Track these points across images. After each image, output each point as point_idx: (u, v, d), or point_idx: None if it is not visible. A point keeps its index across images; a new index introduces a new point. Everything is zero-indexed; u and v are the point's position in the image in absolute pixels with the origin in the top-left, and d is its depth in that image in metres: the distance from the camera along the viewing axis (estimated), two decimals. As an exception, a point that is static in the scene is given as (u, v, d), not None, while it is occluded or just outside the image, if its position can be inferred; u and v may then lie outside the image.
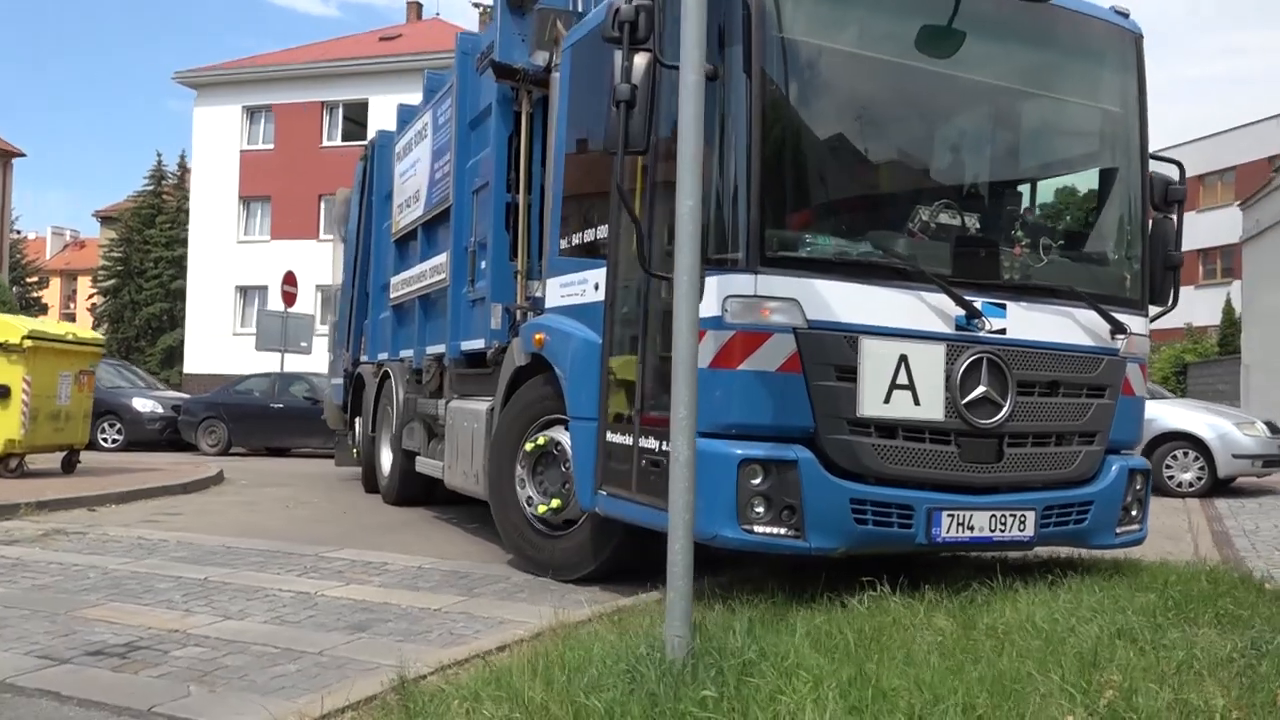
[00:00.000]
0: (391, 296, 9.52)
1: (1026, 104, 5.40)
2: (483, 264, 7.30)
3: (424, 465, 8.39)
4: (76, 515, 8.26)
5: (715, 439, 4.54)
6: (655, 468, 4.90)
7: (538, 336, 6.02)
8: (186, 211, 44.34)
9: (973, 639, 3.74)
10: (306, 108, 33.48)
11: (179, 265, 43.17)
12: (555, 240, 6.16)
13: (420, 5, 41.42)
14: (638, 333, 5.17)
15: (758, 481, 4.50)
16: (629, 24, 4.51)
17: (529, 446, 6.08)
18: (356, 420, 11.05)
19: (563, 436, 5.87)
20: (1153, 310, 5.49)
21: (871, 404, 4.62)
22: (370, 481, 10.41)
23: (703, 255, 4.60)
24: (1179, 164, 5.64)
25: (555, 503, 5.80)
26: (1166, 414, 11.76)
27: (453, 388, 7.81)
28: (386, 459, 9.74)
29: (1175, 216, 5.60)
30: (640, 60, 4.55)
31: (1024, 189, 5.50)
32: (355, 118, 33.29)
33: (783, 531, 4.54)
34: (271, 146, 34.17)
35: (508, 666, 3.45)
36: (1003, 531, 4.87)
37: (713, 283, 4.58)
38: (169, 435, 17.86)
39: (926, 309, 4.75)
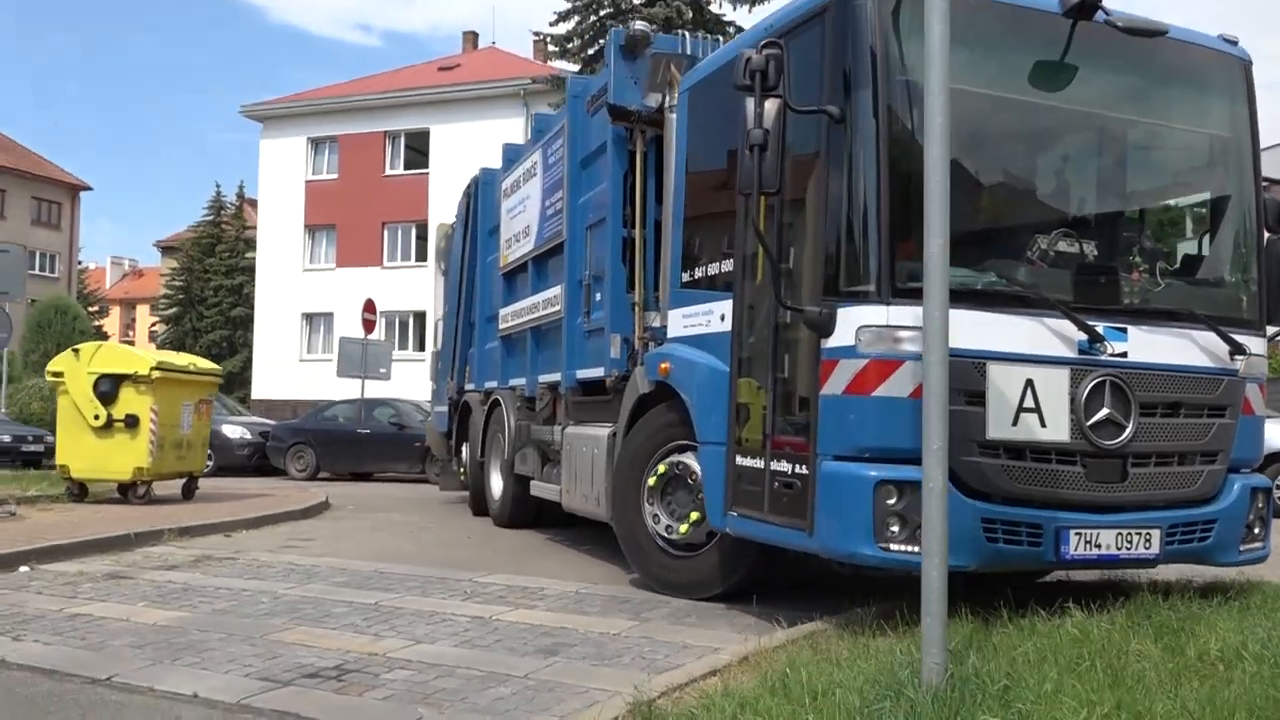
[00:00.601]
0: (501, 328, 9.95)
1: (1140, 133, 5.64)
2: (598, 296, 7.67)
3: (539, 489, 8.76)
4: (215, 541, 8.77)
5: (851, 462, 4.83)
6: (788, 489, 5.19)
7: (663, 366, 6.35)
8: (245, 241, 45.93)
9: (1186, 664, 3.91)
10: (369, 138, 34.58)
11: (238, 293, 44.64)
12: (676, 273, 6.50)
13: (476, 35, 42.53)
14: (766, 361, 5.46)
15: (893, 501, 4.76)
16: (760, 73, 4.84)
17: (652, 481, 6.39)
18: (463, 446, 11.49)
19: (690, 460, 6.18)
20: (1270, 330, 5.64)
21: (999, 427, 4.86)
22: (478, 505, 10.84)
23: (834, 288, 4.94)
24: (1291, 186, 5.81)
25: (694, 515, 6.10)
26: (1277, 433, 11.69)
27: (569, 414, 8.17)
28: (497, 484, 10.15)
29: (1289, 237, 5.76)
30: (770, 106, 4.87)
31: (1140, 215, 5.73)
32: (417, 146, 34.37)
33: (917, 549, 4.76)
34: (335, 176, 35.31)
35: (752, 690, 3.68)
36: (1129, 549, 5.07)
37: (845, 314, 4.88)
38: (257, 461, 18.60)
39: (1050, 334, 4.99)
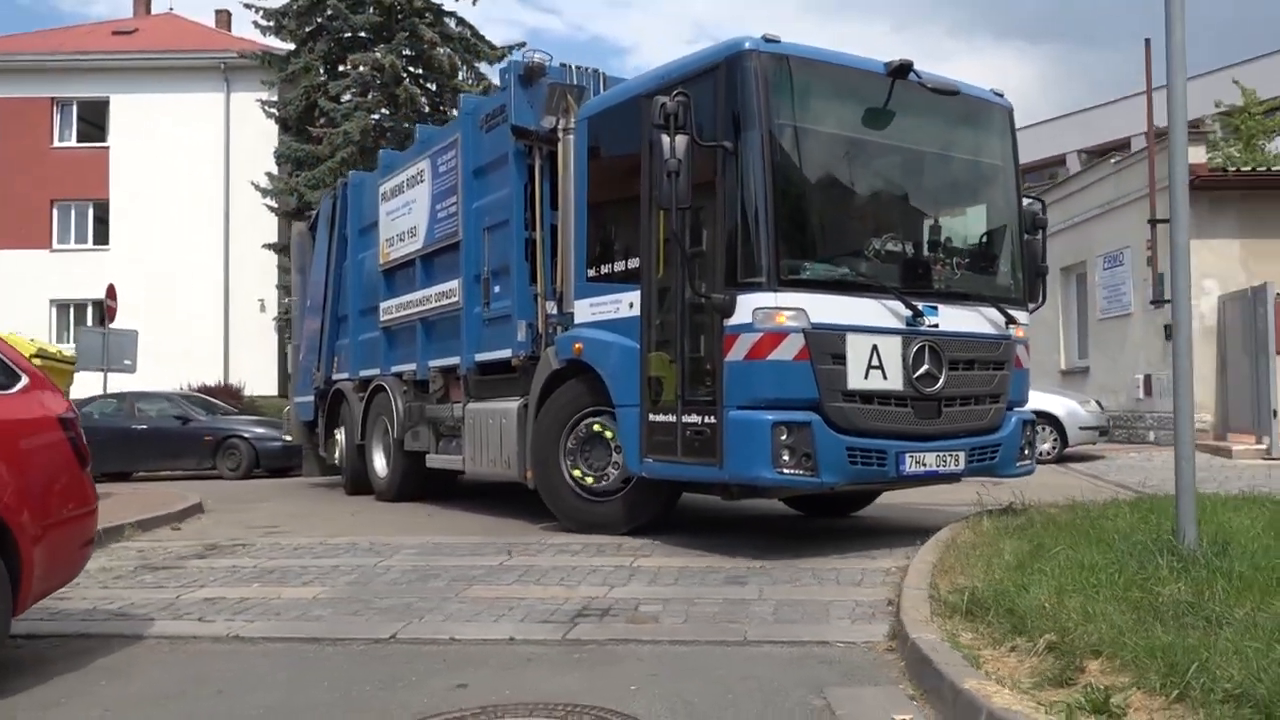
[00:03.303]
0: (383, 319, 11.24)
1: (940, 162, 7.86)
2: (497, 288, 9.24)
3: (437, 461, 10.21)
4: (175, 534, 9.17)
5: (752, 410, 6.71)
6: (699, 435, 7.02)
7: (577, 346, 8.01)
8: None
9: None
10: (31, 104, 31.84)
11: None
12: (581, 269, 8.17)
13: (149, -1, 39.97)
14: (675, 338, 7.22)
15: (784, 438, 6.67)
16: (673, 115, 6.61)
17: (570, 442, 8.06)
18: (334, 432, 12.57)
19: (603, 421, 7.84)
20: (1031, 306, 7.95)
21: (855, 380, 6.88)
22: (357, 486, 11.99)
23: (734, 279, 6.76)
24: (1041, 200, 8.15)
25: (611, 473, 7.82)
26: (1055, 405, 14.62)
27: (469, 393, 9.62)
28: (380, 463, 11.43)
29: (1041, 238, 8.08)
30: (681, 141, 6.65)
31: (942, 222, 7.89)
32: (92, 118, 32.51)
33: (802, 472, 6.71)
34: (-11, 145, 32.52)
35: (1014, 576, 5.01)
36: (944, 466, 7.22)
37: (745, 300, 6.74)
38: None
39: (887, 312, 7.06)
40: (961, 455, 7.32)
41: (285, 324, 27.39)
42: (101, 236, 31.91)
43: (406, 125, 25.29)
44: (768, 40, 6.98)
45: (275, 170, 27.54)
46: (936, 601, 4.95)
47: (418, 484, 11.05)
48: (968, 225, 8.13)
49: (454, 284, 9.80)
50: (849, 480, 6.96)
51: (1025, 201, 8.23)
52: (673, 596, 5.80)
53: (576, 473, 8.13)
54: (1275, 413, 14.04)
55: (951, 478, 7.55)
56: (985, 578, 5.18)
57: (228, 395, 25.42)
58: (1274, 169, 18.90)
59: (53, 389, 5.08)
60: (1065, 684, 3.69)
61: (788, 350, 6.74)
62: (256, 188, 27.29)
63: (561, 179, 8.62)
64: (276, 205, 27.85)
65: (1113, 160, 20.83)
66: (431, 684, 4.30)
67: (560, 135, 8.65)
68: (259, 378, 29.02)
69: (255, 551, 7.97)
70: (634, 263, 7.65)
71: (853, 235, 7.50)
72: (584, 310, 8.18)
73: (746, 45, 6.95)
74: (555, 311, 8.66)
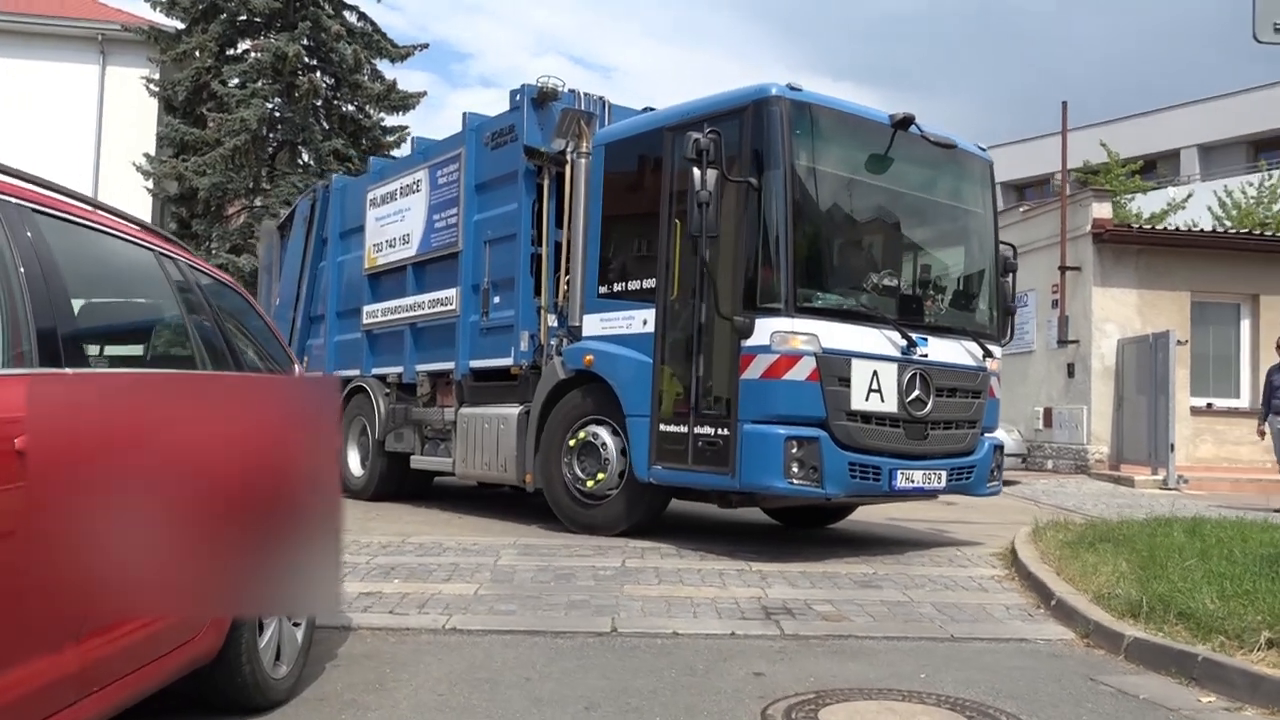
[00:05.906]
0: (365, 322, 11.44)
1: (935, 207, 8.55)
2: (497, 299, 9.56)
3: (423, 463, 10.44)
4: None
5: (767, 424, 7.21)
6: (711, 446, 7.49)
7: (588, 358, 8.41)
8: None
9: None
10: None
11: None
12: (593, 286, 8.59)
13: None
14: (689, 354, 7.69)
15: (795, 451, 7.21)
16: (704, 151, 7.04)
17: (572, 442, 8.31)
18: (305, 430, 12.54)
19: (601, 431, 8.15)
20: (1004, 342, 8.63)
21: (858, 401, 7.46)
22: None
23: (753, 304, 7.22)
24: (1013, 246, 8.83)
25: (601, 476, 8.18)
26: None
27: (463, 398, 9.83)
28: (355, 463, 11.46)
29: (1011, 280, 8.75)
30: (711, 174, 7.07)
31: (934, 262, 8.56)
32: None
33: (809, 483, 7.26)
34: None
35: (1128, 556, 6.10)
36: (928, 484, 7.86)
37: (763, 323, 7.28)
38: None
39: (886, 340, 7.68)
40: (943, 474, 7.93)
41: None
42: (-34, 216, 29.59)
43: (300, 117, 24.90)
44: (792, 88, 7.53)
45: (153, 152, 26.27)
46: (1103, 607, 5.48)
47: (395, 484, 11.24)
48: (954, 265, 8.84)
49: (450, 292, 10.05)
50: (848, 492, 7.49)
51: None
52: (832, 598, 6.20)
53: (571, 476, 8.41)
54: (1172, 448, 15.15)
55: (932, 494, 8.16)
56: (1115, 586, 5.74)
57: None
58: (1168, 228, 20.30)
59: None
60: None
61: (801, 371, 7.24)
62: (138, 169, 25.84)
63: (570, 199, 9.00)
64: (155, 189, 26.45)
65: (1021, 209, 22.07)
66: (727, 671, 4.46)
67: (570, 158, 9.02)
68: (134, 374, 27.49)
69: (359, 552, 7.39)
70: (648, 282, 8.12)
71: (859, 269, 8.14)
72: (593, 324, 8.55)
73: (773, 91, 7.49)
74: (556, 324, 8.94)
